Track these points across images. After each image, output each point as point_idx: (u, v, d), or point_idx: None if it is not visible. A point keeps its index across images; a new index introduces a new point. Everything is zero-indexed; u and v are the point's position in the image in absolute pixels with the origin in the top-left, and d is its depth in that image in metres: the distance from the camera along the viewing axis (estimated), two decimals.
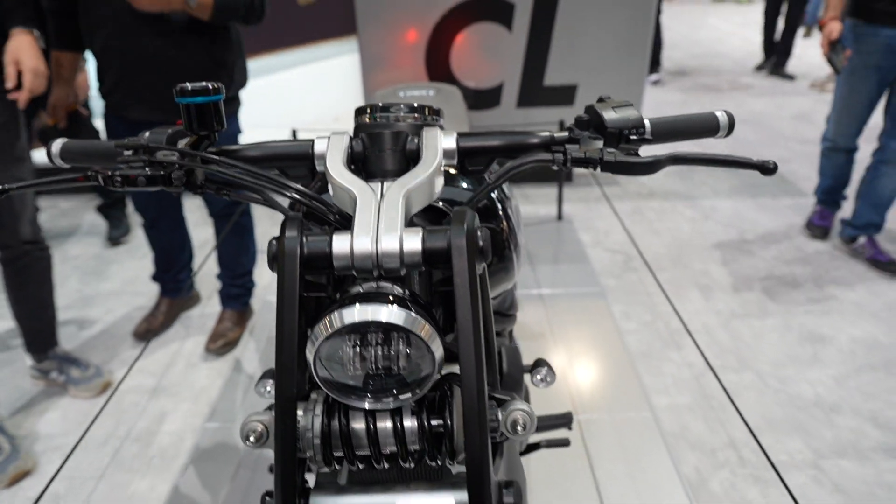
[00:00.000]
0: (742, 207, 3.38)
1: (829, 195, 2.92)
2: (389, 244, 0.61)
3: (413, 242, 0.61)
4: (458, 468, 0.74)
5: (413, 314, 0.58)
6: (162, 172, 0.67)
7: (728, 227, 3.16)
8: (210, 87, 0.68)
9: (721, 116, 0.78)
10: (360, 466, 0.65)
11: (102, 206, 3.19)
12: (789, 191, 3.57)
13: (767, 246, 2.96)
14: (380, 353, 0.59)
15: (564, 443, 1.46)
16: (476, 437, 0.59)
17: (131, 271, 2.93)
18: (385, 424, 0.63)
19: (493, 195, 0.98)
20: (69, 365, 2.14)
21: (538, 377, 0.99)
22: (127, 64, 1.84)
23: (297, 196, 0.67)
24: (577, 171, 3.88)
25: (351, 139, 0.74)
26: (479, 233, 0.62)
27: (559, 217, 3.12)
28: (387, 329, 0.58)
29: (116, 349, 2.37)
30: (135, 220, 3.49)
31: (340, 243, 0.61)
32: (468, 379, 0.60)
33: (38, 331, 2.10)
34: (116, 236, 3.18)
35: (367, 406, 0.60)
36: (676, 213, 3.34)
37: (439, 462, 0.66)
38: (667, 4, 8.99)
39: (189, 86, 0.68)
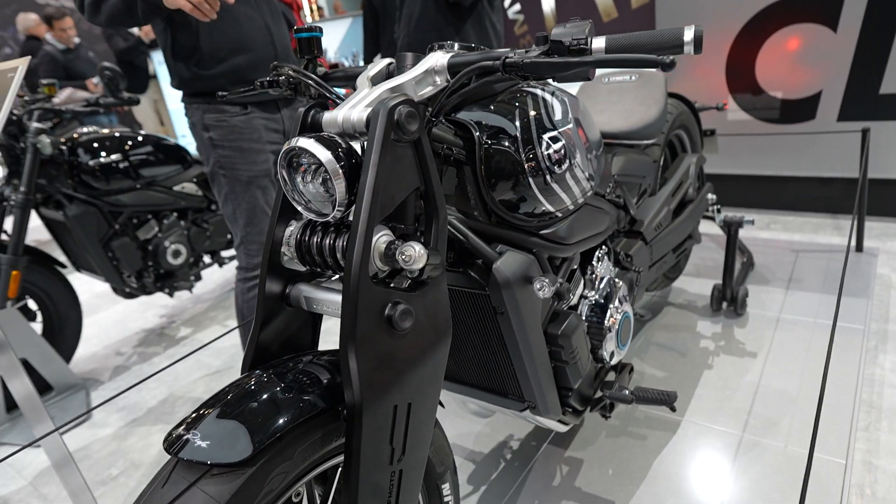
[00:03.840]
0: None
1: None
2: (347, 115, 0.91)
3: (361, 114, 0.89)
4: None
5: (332, 156, 0.86)
6: (276, 80, 1.12)
7: None
8: (314, 28, 1.10)
9: (689, 31, 0.80)
10: (318, 270, 0.96)
11: None
12: None
13: None
14: (309, 178, 0.89)
15: (669, 401, 1.39)
16: (353, 256, 0.82)
17: None
18: (325, 240, 0.92)
19: (526, 129, 1.11)
20: None
21: (537, 285, 1.09)
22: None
23: (328, 94, 1.03)
24: None
25: (389, 64, 1.05)
26: (398, 109, 0.86)
27: (858, 248, 2.55)
28: (319, 163, 0.88)
29: None
30: None
31: (328, 115, 0.94)
32: (357, 214, 0.84)
33: None
34: None
35: (302, 211, 0.91)
36: None
37: None
38: None
39: (307, 27, 1.11)
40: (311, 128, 0.97)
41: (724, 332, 2.13)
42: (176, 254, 2.82)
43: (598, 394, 1.44)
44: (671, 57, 0.73)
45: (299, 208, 0.93)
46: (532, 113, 1.12)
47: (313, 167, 0.89)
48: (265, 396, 0.84)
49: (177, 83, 1.74)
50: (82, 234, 2.58)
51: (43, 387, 2.50)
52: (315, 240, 0.93)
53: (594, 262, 1.41)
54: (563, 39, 0.86)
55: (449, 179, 1.10)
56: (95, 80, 4.96)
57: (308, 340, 1.07)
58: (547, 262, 1.20)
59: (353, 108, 0.91)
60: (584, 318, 1.38)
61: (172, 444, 0.77)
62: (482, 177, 1.09)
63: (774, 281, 2.42)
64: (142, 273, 2.79)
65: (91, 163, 2.54)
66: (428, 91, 0.98)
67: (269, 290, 0.97)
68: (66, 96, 4.40)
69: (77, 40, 5.18)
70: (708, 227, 3.06)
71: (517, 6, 3.71)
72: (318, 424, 0.86)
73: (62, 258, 2.97)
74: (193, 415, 0.81)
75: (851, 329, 2.03)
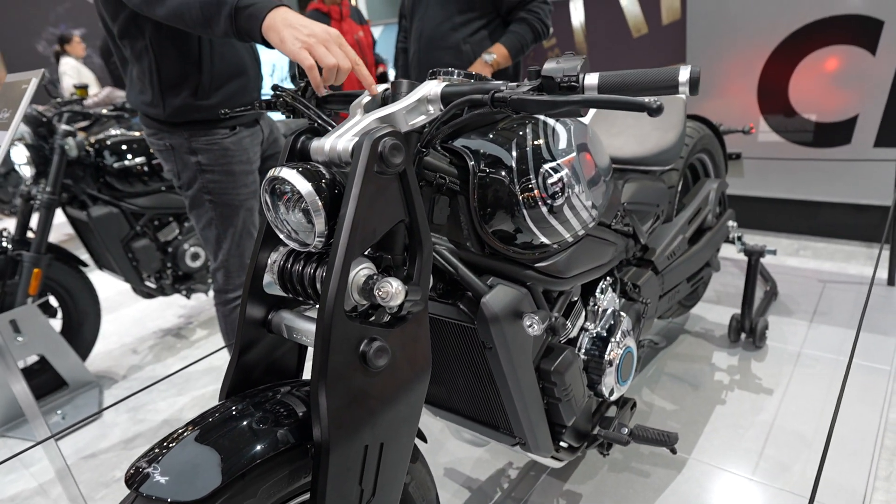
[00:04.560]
0: None
1: None
2: (333, 144, 0.89)
3: (346, 144, 0.88)
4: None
5: (312, 189, 0.84)
6: (275, 102, 1.11)
7: None
8: None
9: (684, 72, 0.77)
10: (300, 299, 0.95)
11: None
12: None
13: None
14: (292, 206, 0.87)
15: (669, 443, 1.34)
16: (328, 290, 0.80)
17: None
18: (307, 269, 0.90)
19: (523, 159, 1.07)
20: None
21: (527, 322, 1.05)
22: None
23: (315, 118, 1.02)
24: None
25: (385, 90, 1.03)
26: (382, 141, 0.83)
27: (890, 282, 2.42)
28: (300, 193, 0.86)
29: None
30: None
31: (315, 144, 0.93)
32: (335, 247, 0.82)
33: None
34: None
35: (284, 239, 0.90)
36: None
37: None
38: None
39: None
40: (300, 155, 0.95)
41: (741, 365, 2.05)
42: (194, 256, 2.86)
43: (596, 430, 1.39)
44: (658, 102, 0.70)
45: (282, 236, 0.92)
46: (531, 142, 1.09)
47: (295, 196, 0.88)
48: (233, 429, 0.82)
49: (166, 114, 1.56)
50: (104, 234, 2.63)
51: (59, 383, 2.56)
52: (297, 268, 0.91)
53: (597, 294, 1.36)
54: (555, 76, 0.83)
55: (441, 209, 1.07)
56: None
57: (293, 368, 1.05)
58: (541, 296, 1.16)
59: (341, 138, 0.90)
60: (583, 351, 1.33)
61: (133, 477, 0.76)
62: (475, 207, 1.06)
63: (798, 312, 2.32)
64: (160, 274, 2.83)
65: (115, 165, 2.60)
66: (420, 120, 0.95)
67: (250, 316, 0.96)
68: (104, 95, 4.50)
69: None
70: (731, 252, 2.96)
71: None
72: (285, 461, 0.84)
73: (86, 256, 3.05)
74: (158, 446, 0.80)
75: (876, 369, 1.93)
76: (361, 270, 0.85)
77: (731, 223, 2.06)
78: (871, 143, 2.79)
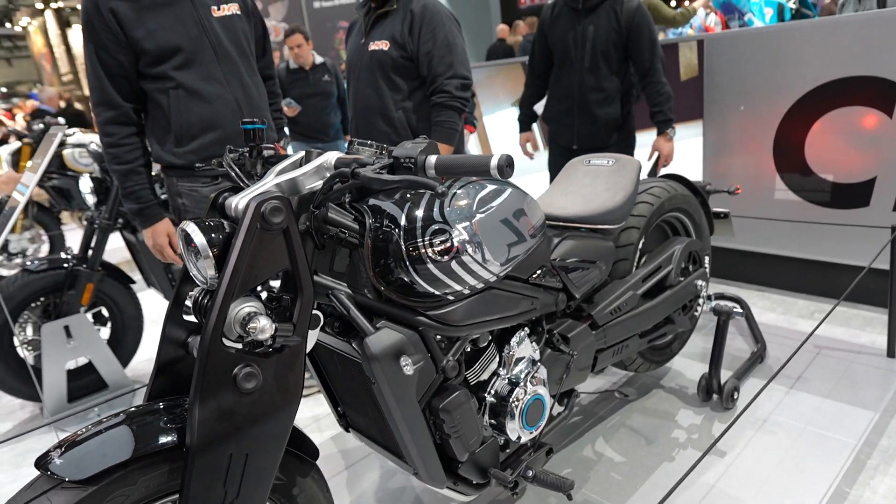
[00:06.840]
0: None
1: None
2: (237, 203, 1.10)
3: (244, 204, 1.08)
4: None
5: (205, 241, 1.04)
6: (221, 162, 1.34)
7: None
8: (256, 121, 1.31)
9: (494, 159, 0.92)
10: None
11: None
12: None
13: None
14: (194, 255, 1.08)
15: (565, 489, 1.41)
16: (209, 322, 1.00)
17: None
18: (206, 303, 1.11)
19: (413, 220, 1.23)
20: None
21: (402, 363, 1.20)
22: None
23: (236, 179, 1.23)
24: None
25: (301, 158, 1.24)
26: (265, 204, 1.03)
27: (890, 353, 2.32)
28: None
29: None
30: None
31: (228, 201, 1.14)
32: (218, 287, 1.02)
33: None
34: None
35: (194, 278, 1.10)
36: None
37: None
38: None
39: (250, 119, 1.32)
40: (221, 209, 1.17)
41: (703, 424, 2.05)
42: None
43: (492, 470, 1.47)
44: (443, 189, 0.85)
45: (192, 275, 1.13)
46: (424, 205, 1.23)
47: (196, 246, 1.09)
48: (130, 428, 1.03)
49: (153, 158, 1.93)
50: (148, 255, 3.01)
51: (101, 384, 2.93)
52: (205, 301, 1.12)
53: (512, 342, 1.48)
54: (400, 157, 1.00)
55: (342, 258, 1.25)
56: (286, 100, 4.49)
57: None
58: (433, 340, 1.30)
59: (244, 198, 1.11)
60: (492, 394, 1.44)
61: (41, 459, 0.98)
62: (369, 259, 1.23)
63: (781, 377, 2.28)
64: None
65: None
66: (317, 185, 1.15)
67: (170, 337, 1.18)
68: None
69: (320, 60, 4.60)
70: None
71: None
72: (165, 459, 1.03)
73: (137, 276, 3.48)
74: (66, 439, 1.02)
75: (841, 442, 1.88)
76: (244, 308, 1.05)
77: (699, 283, 2.09)
78: (890, 207, 2.69)
